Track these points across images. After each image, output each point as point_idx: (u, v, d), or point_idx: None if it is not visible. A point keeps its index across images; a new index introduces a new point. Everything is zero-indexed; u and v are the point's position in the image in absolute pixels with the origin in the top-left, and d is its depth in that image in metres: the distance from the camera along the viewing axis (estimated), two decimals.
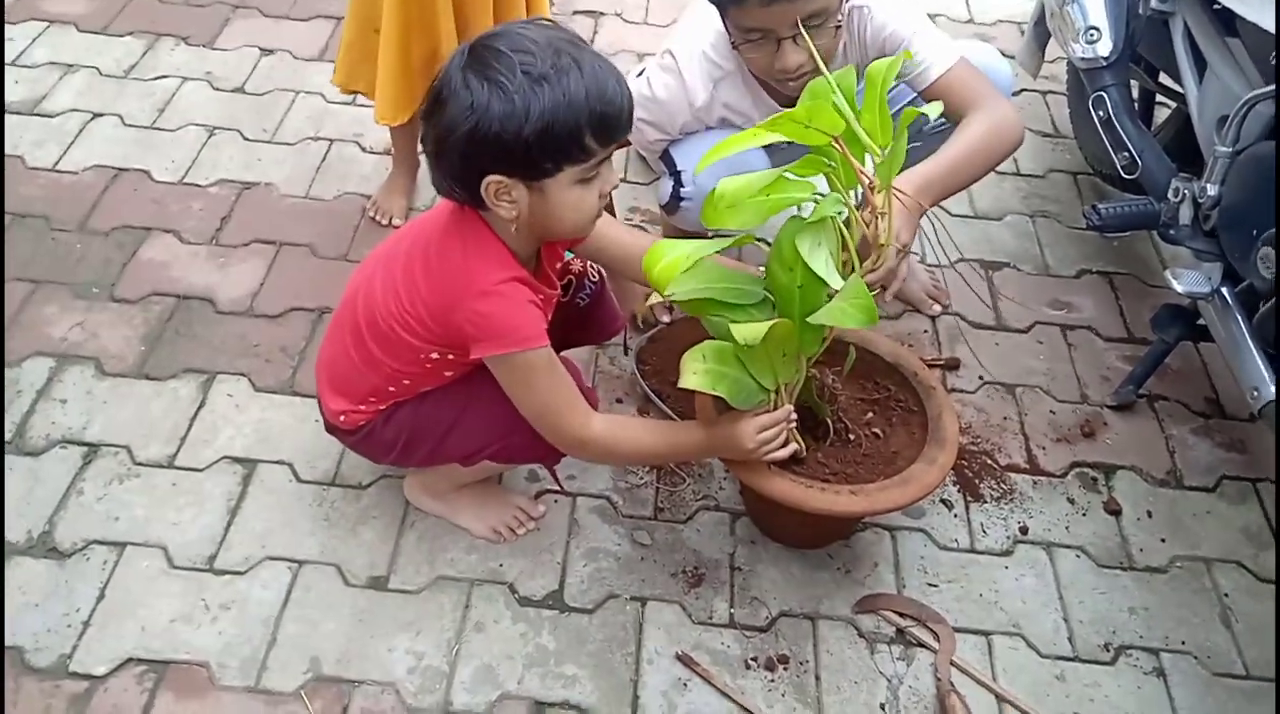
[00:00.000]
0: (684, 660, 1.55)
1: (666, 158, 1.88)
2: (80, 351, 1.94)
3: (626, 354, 1.99)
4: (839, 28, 1.64)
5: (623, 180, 2.41)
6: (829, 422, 1.60)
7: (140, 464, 1.76)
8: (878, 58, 1.74)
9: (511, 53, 1.22)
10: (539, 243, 1.43)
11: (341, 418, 1.55)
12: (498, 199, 1.29)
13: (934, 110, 1.45)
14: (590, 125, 1.25)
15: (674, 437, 1.52)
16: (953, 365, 2.04)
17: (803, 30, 1.57)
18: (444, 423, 1.52)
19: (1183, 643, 1.62)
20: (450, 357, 1.44)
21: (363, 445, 1.59)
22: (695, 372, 1.39)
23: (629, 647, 1.57)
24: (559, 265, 1.52)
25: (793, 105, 1.78)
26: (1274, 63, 1.62)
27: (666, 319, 2.03)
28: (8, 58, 2.64)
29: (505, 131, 1.22)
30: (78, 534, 1.65)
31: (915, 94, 1.77)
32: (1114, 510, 1.80)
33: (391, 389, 1.50)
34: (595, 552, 1.69)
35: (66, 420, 1.82)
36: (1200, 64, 1.87)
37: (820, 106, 1.27)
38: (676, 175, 1.86)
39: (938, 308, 2.16)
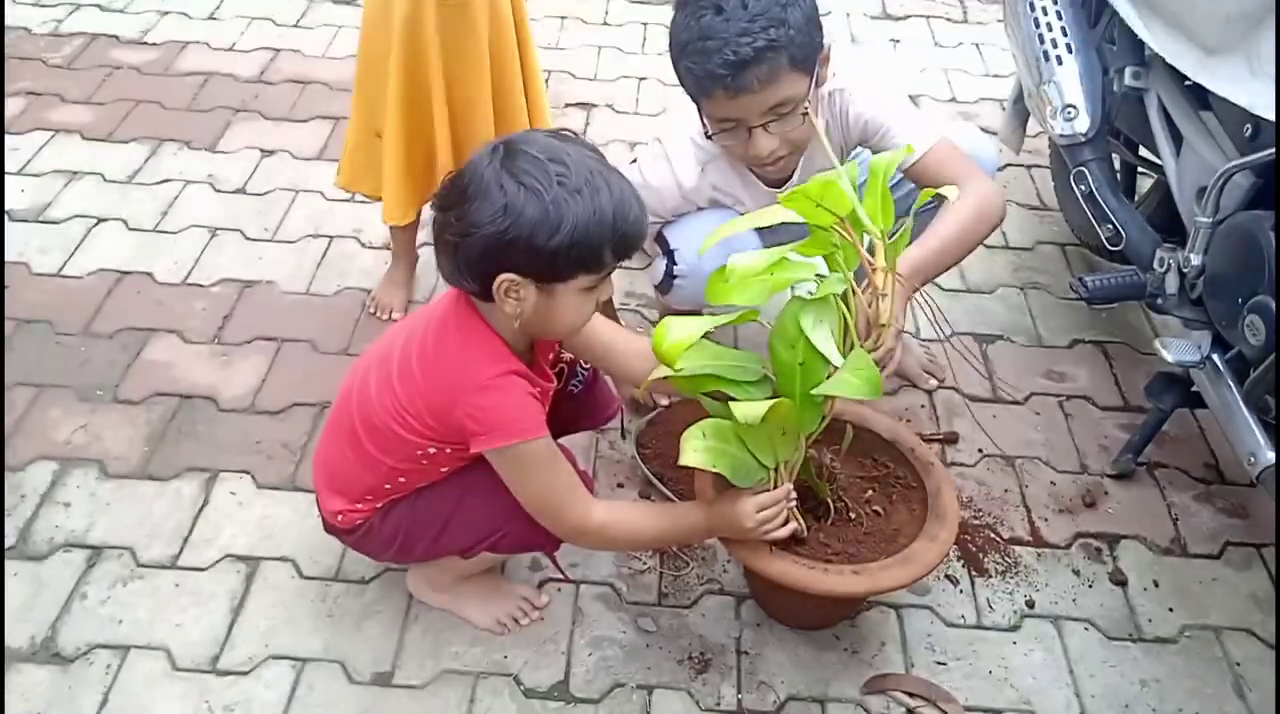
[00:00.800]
0: None
1: (660, 239, 1.92)
2: (84, 454, 1.95)
3: (624, 438, 2.01)
4: (806, 114, 1.68)
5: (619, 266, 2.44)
6: (829, 501, 1.61)
7: (143, 565, 1.76)
8: (859, 139, 1.80)
9: (547, 161, 1.27)
10: (532, 339, 1.45)
11: (339, 517, 1.55)
12: (506, 296, 1.31)
13: (951, 193, 1.49)
14: (612, 242, 1.30)
15: (674, 519, 1.53)
16: (951, 440, 2.05)
17: (809, 110, 1.62)
18: (441, 517, 1.52)
19: None
20: (448, 451, 1.45)
21: (362, 544, 1.59)
22: (695, 449, 1.41)
23: None
24: (551, 356, 1.55)
25: (778, 186, 1.84)
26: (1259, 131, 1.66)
27: (666, 402, 2.04)
28: (15, 166, 2.70)
29: (536, 237, 1.26)
30: (81, 639, 1.64)
31: (900, 174, 1.81)
32: (1120, 581, 1.79)
33: (388, 486, 1.51)
34: (600, 640, 1.68)
35: (70, 524, 1.82)
36: (1176, 137, 1.91)
37: (831, 185, 1.31)
38: (670, 254, 1.90)
39: (934, 382, 2.17)
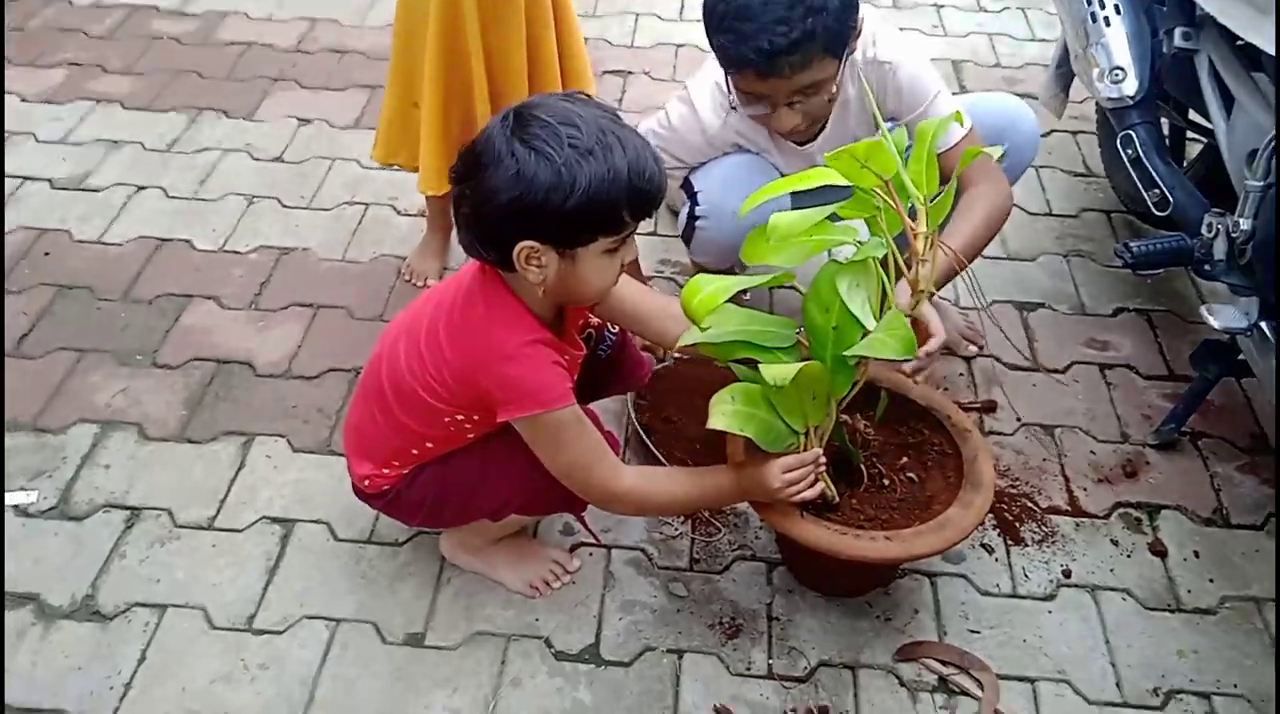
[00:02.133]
0: (722, 713, 1.53)
1: (685, 184, 1.92)
2: (124, 417, 1.98)
3: None
4: (831, 100, 1.71)
5: (653, 233, 2.44)
6: (863, 467, 1.59)
7: (181, 526, 1.79)
8: (892, 113, 1.79)
9: (558, 124, 1.25)
10: (559, 307, 1.44)
11: (367, 482, 1.56)
12: (527, 264, 1.30)
13: (996, 152, 1.49)
14: (629, 200, 1.28)
15: (703, 481, 1.52)
16: (989, 408, 2.02)
17: (867, 78, 1.63)
18: (468, 481, 1.53)
19: (1235, 686, 1.57)
20: (475, 418, 1.45)
21: (391, 509, 1.60)
22: (724, 412, 1.39)
23: (666, 700, 1.55)
24: (580, 322, 1.54)
25: (803, 143, 1.83)
26: None
27: (675, 354, 2.03)
28: (57, 136, 2.74)
29: (550, 201, 1.24)
30: (120, 597, 1.67)
31: None
32: (1159, 551, 1.76)
33: (415, 452, 1.51)
34: (631, 604, 1.68)
35: (110, 485, 1.85)
36: (1227, 100, 1.86)
37: (878, 147, 1.28)
38: (693, 197, 1.89)
39: (973, 349, 2.14)
